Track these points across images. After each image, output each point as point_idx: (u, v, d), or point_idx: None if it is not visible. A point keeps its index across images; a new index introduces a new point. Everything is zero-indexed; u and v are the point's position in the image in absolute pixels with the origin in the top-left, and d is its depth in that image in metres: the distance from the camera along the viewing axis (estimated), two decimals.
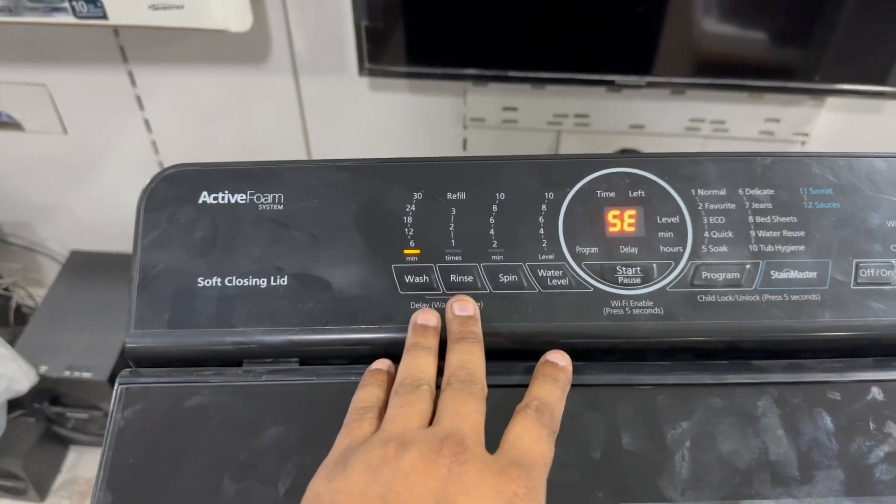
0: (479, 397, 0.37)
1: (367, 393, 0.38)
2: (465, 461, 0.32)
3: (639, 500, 0.38)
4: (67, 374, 1.20)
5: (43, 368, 1.20)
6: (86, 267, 1.39)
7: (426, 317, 0.41)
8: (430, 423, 0.36)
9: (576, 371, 0.41)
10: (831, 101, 1.07)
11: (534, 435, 0.35)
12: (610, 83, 1.03)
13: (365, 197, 0.44)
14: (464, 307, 0.41)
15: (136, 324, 0.42)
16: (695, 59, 1.02)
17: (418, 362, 0.39)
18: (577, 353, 0.42)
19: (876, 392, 0.41)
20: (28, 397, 1.21)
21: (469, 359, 0.38)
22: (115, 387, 0.41)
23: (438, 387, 0.38)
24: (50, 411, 1.27)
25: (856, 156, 0.45)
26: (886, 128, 1.10)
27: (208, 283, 0.42)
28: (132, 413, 0.40)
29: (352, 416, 0.37)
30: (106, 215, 1.36)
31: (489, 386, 0.38)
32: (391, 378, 0.40)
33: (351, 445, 0.35)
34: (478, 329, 0.41)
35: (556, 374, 0.39)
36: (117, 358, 1.22)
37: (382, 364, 0.41)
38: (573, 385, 0.40)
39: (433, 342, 0.40)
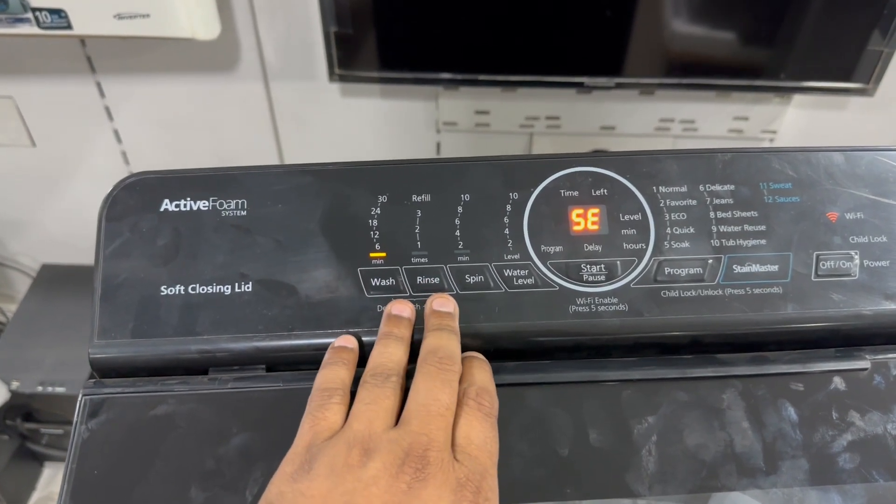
0: (452, 382, 0.37)
1: (332, 373, 0.38)
2: (425, 477, 0.32)
3: (607, 495, 0.38)
4: (40, 389, 1.18)
5: (15, 384, 1.18)
6: (57, 281, 1.37)
7: (400, 308, 0.41)
8: (399, 414, 0.36)
9: (542, 369, 0.41)
10: (798, 98, 1.09)
11: (480, 433, 0.35)
12: (580, 85, 1.04)
13: (329, 201, 0.44)
14: (443, 303, 0.41)
15: (100, 334, 0.42)
16: (663, 59, 1.03)
17: (390, 351, 0.39)
18: (543, 351, 0.42)
19: (838, 382, 0.41)
20: (0, 414, 1.20)
21: (446, 343, 0.39)
22: (79, 398, 0.41)
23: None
24: (23, 428, 1.25)
25: (814, 150, 0.46)
26: (851, 123, 1.12)
27: (172, 291, 0.42)
28: (96, 424, 0.40)
29: (315, 402, 0.37)
30: (77, 228, 1.35)
31: None
32: (355, 357, 0.40)
33: (314, 440, 0.35)
34: (455, 324, 0.41)
35: (481, 361, 0.40)
36: (91, 372, 1.20)
37: (347, 342, 0.41)
38: (539, 383, 0.40)
39: (406, 333, 0.40)
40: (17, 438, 1.26)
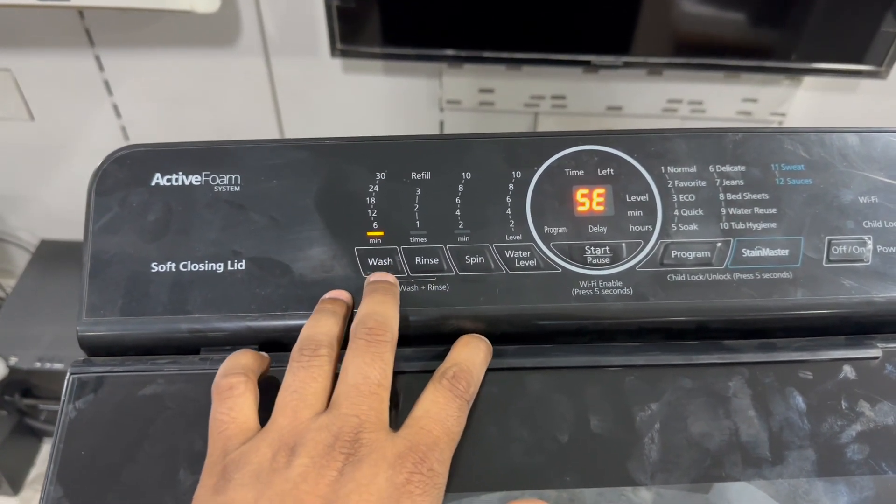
0: (384, 354, 0.35)
1: (233, 361, 0.37)
2: (358, 459, 0.31)
3: (608, 483, 0.37)
4: (38, 365, 1.18)
5: (13, 360, 1.18)
6: (56, 256, 1.36)
7: (337, 293, 0.40)
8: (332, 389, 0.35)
9: (543, 353, 0.40)
10: (808, 80, 1.07)
11: (442, 409, 0.34)
12: (586, 63, 1.02)
13: (326, 177, 0.43)
14: (380, 275, 0.40)
15: (88, 311, 0.41)
16: (672, 38, 1.01)
17: (321, 323, 0.37)
18: (545, 335, 0.41)
19: (848, 370, 0.40)
20: None
21: (379, 308, 0.37)
22: (67, 376, 0.40)
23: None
24: (22, 404, 1.24)
25: (827, 131, 0.44)
26: (862, 107, 1.10)
27: (162, 268, 0.41)
28: (84, 403, 0.39)
29: (217, 395, 0.35)
30: (75, 203, 1.33)
31: None
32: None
33: (228, 445, 0.33)
34: (393, 289, 0.39)
35: (478, 343, 0.38)
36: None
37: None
38: (540, 367, 0.39)
39: (341, 310, 0.39)
40: (15, 414, 1.26)
